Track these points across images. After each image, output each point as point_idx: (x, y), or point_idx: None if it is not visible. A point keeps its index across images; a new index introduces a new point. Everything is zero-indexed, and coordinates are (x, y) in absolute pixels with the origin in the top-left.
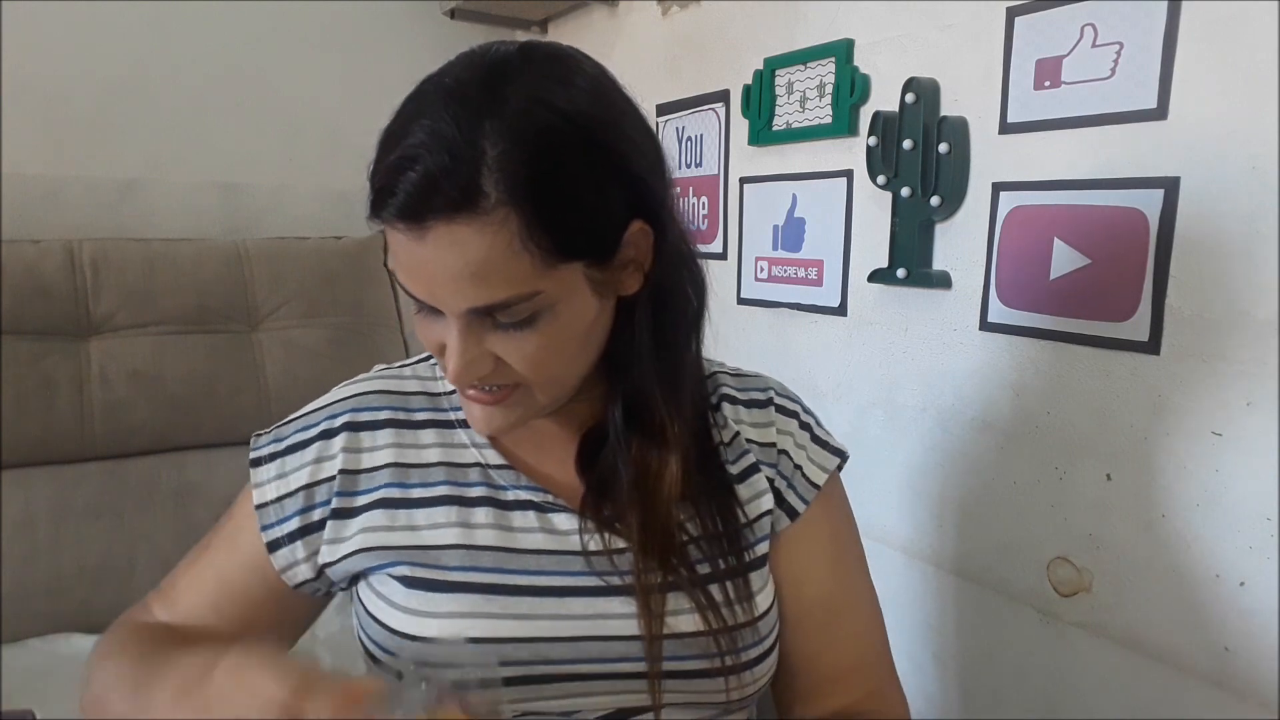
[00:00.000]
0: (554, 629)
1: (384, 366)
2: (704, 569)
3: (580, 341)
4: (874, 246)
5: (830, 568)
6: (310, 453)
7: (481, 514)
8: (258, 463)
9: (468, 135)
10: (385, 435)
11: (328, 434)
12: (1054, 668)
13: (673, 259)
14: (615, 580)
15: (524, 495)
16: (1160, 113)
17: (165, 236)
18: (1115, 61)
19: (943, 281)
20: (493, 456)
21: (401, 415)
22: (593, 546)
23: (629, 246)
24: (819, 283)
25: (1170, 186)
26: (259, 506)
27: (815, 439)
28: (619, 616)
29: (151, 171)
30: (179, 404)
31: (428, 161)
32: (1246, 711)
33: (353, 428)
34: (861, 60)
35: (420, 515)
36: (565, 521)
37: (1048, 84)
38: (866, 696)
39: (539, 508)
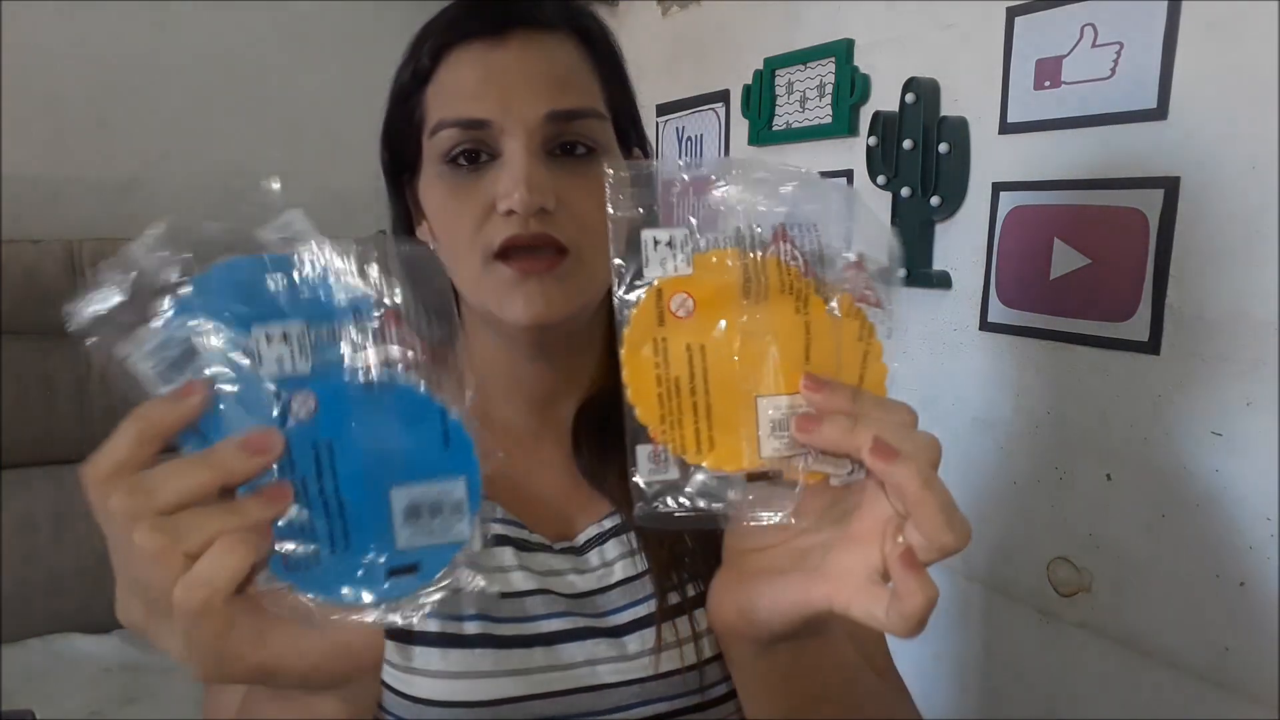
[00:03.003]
0: (547, 683)
1: None
2: (690, 590)
3: None
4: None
5: None
6: None
7: None
8: None
9: None
10: None
11: None
12: (1054, 668)
13: None
14: (604, 621)
15: (499, 529)
16: (1160, 113)
17: None
18: (1115, 61)
19: (943, 281)
20: None
21: None
22: (582, 585)
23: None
24: None
25: (1170, 186)
26: None
27: None
28: (607, 660)
29: (151, 171)
30: None
31: None
32: (1246, 711)
33: None
34: (861, 60)
35: None
36: (541, 562)
37: (1048, 84)
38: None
39: (516, 544)
